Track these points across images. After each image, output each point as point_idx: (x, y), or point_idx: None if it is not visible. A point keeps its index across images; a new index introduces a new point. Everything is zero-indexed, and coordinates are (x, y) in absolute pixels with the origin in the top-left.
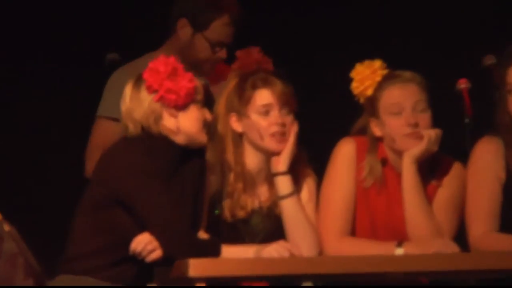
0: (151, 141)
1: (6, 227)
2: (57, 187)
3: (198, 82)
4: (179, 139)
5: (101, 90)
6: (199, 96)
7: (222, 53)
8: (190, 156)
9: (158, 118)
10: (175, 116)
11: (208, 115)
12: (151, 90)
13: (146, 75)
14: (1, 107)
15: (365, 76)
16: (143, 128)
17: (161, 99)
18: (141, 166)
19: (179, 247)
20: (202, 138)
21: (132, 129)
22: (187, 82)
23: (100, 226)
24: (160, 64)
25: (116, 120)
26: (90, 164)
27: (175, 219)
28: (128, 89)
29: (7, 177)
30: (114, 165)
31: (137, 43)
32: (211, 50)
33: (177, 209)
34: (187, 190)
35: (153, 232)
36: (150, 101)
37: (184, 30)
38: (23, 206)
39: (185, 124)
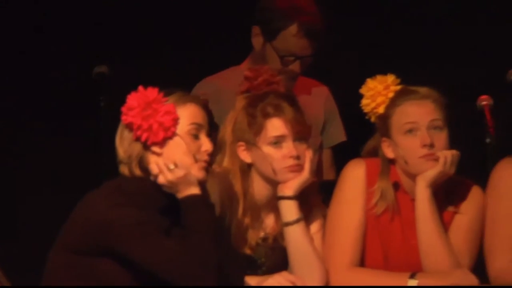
0: (134, 185)
1: None
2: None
3: (186, 112)
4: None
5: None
6: (189, 127)
7: (294, 67)
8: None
9: (142, 158)
10: (159, 154)
11: (207, 146)
12: (129, 128)
13: (123, 112)
14: None
15: (377, 92)
16: (130, 170)
17: (138, 138)
18: (131, 219)
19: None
20: (196, 174)
21: (122, 169)
22: (162, 115)
23: (82, 271)
24: (133, 99)
25: None
26: None
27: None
28: (120, 125)
29: None
30: (100, 218)
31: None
32: (281, 61)
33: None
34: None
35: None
36: (130, 139)
37: (256, 38)
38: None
39: (170, 161)
